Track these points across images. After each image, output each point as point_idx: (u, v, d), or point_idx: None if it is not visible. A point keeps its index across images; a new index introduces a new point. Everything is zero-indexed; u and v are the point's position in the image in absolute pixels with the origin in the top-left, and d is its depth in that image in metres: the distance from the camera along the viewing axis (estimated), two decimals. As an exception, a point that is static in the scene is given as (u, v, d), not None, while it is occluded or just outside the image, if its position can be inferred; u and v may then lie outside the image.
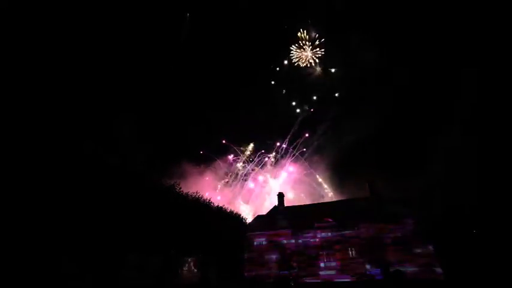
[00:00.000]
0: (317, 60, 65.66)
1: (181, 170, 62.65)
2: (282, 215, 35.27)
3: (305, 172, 68.70)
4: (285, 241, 30.74)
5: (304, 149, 69.58)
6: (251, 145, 71.40)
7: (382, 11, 54.35)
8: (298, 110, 72.03)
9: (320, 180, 67.94)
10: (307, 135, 69.96)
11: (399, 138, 55.56)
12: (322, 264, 28.29)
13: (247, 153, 71.08)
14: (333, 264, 27.87)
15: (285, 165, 70.07)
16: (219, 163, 70.87)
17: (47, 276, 10.66)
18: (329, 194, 65.22)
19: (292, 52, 65.47)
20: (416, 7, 48.69)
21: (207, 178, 67.14)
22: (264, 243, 31.39)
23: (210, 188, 64.65)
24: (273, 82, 73.14)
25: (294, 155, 69.68)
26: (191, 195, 20.50)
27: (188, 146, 68.69)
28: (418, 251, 24.80)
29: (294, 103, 72.44)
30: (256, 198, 67.63)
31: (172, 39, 64.93)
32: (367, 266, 26.40)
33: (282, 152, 70.76)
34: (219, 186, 68.27)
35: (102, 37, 48.63)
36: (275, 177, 70.15)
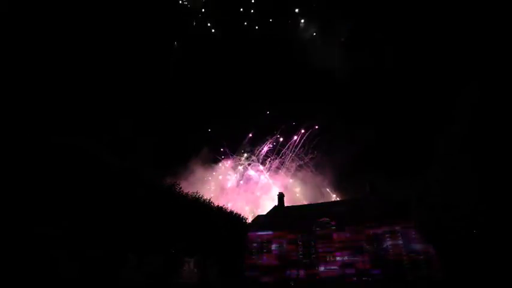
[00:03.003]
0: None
1: (184, 170, 62.95)
2: (282, 215, 35.29)
3: (307, 172, 68.80)
4: (285, 241, 30.74)
5: (313, 152, 69.48)
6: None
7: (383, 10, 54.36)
8: None
9: (321, 180, 67.99)
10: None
11: (399, 139, 55.66)
12: (322, 265, 28.28)
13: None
14: (333, 264, 27.86)
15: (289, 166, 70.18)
16: (224, 163, 71.20)
17: (46, 275, 10.69)
18: (329, 193, 65.31)
19: None
20: (421, 8, 48.70)
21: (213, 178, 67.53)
22: (264, 243, 31.39)
23: (215, 188, 64.91)
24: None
25: (303, 159, 69.63)
26: (191, 195, 20.51)
27: (191, 145, 69.09)
28: (419, 250, 24.79)
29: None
30: (257, 198, 67.81)
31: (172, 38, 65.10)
32: (367, 266, 26.38)
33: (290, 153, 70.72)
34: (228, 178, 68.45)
35: (103, 38, 48.76)
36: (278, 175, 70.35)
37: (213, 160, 70.79)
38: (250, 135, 72.25)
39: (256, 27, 62.57)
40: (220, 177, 69.01)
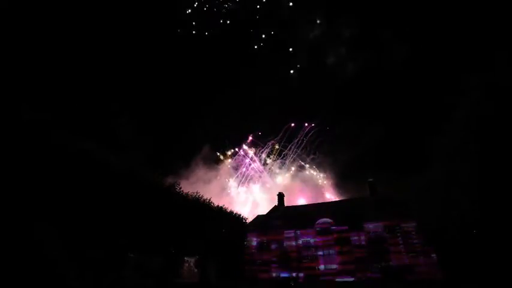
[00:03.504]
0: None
1: (185, 169, 62.96)
2: (282, 215, 35.29)
3: (308, 172, 68.85)
4: (285, 241, 30.74)
5: (314, 152, 69.45)
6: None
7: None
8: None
9: (321, 180, 67.98)
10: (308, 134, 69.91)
11: (399, 138, 55.68)
12: (322, 265, 28.29)
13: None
14: (333, 264, 27.87)
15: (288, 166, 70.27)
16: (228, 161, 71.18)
17: (46, 275, 10.70)
18: (329, 193, 65.29)
19: None
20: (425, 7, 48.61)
21: (218, 177, 67.55)
22: (264, 243, 31.40)
23: (217, 188, 64.89)
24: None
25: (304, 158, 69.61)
26: (191, 195, 20.50)
27: (191, 143, 69.10)
28: (419, 250, 24.80)
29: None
30: (257, 197, 67.82)
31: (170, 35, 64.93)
32: (367, 266, 26.37)
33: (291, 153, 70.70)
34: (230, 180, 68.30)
35: (101, 37, 48.75)
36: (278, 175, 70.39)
37: (215, 160, 70.93)
38: (259, 133, 72.29)
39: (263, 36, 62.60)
40: (218, 177, 69.05)
